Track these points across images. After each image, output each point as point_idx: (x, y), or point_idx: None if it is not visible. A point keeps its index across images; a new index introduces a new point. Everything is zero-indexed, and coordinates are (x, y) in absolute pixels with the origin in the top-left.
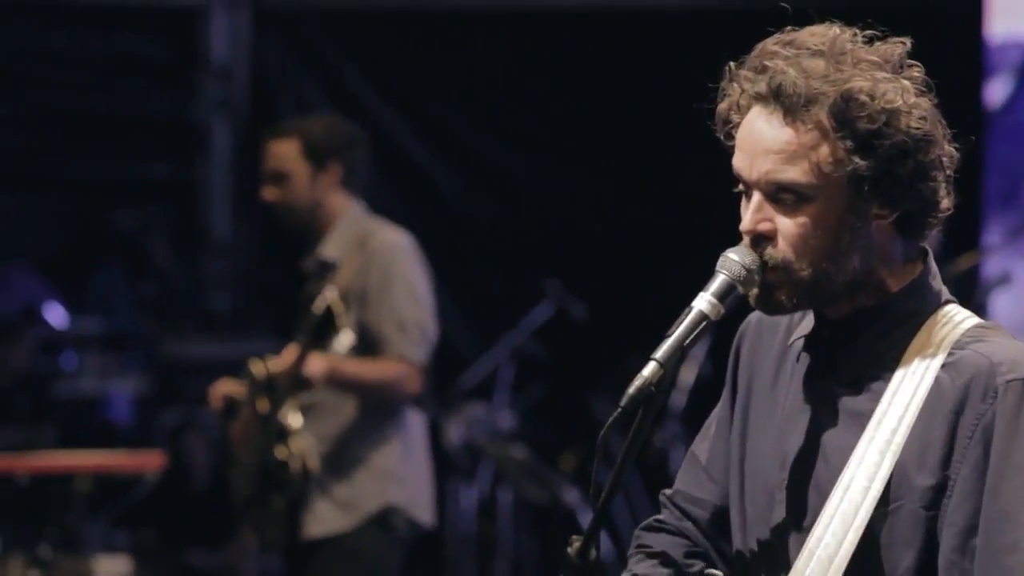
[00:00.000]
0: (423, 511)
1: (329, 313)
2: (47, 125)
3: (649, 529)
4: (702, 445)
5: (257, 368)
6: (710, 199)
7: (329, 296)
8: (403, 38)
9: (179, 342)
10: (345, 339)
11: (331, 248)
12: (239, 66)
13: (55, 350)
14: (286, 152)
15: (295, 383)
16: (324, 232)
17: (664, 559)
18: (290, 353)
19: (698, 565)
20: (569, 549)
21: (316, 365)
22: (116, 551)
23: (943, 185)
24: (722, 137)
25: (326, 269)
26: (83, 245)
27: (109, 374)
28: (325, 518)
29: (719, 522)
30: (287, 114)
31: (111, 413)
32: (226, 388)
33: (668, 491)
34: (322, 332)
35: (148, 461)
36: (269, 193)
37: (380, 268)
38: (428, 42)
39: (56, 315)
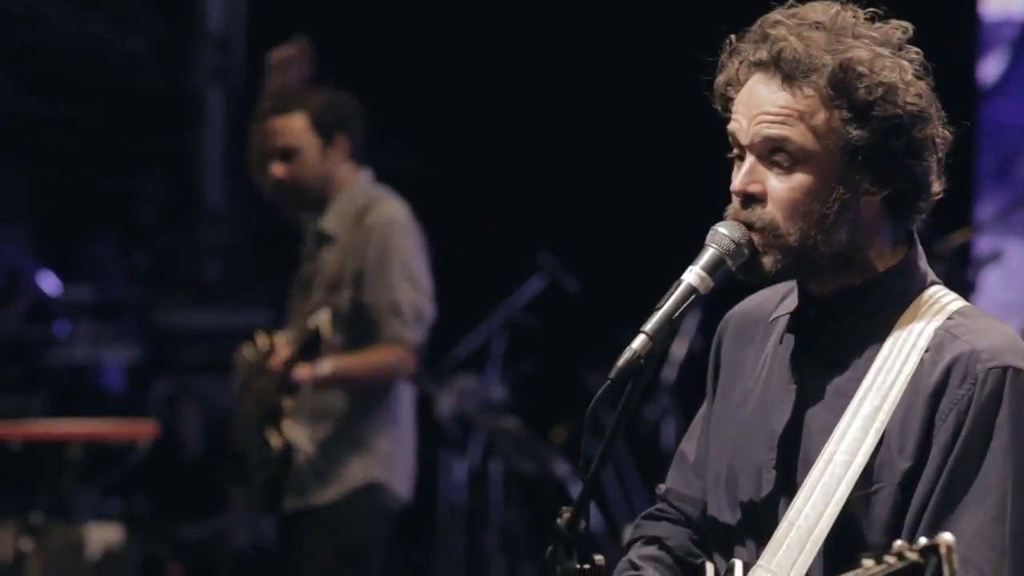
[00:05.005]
0: (404, 486)
1: (317, 336)
2: (42, 93)
3: (650, 518)
4: (689, 443)
5: (263, 342)
6: (703, 172)
7: (322, 319)
8: (402, 9)
9: (172, 311)
10: (325, 367)
11: (331, 220)
12: (234, 36)
13: (47, 317)
14: (294, 127)
15: (283, 386)
16: (328, 203)
17: (663, 545)
18: (282, 353)
19: (701, 557)
20: (558, 520)
21: (307, 372)
22: (108, 519)
23: (935, 167)
24: (719, 109)
25: (322, 241)
26: (76, 213)
27: (102, 342)
28: (309, 489)
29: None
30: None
31: (103, 381)
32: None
33: (662, 487)
34: (309, 350)
35: (140, 429)
36: (278, 170)
37: (376, 247)
38: (424, 16)
39: (49, 283)
